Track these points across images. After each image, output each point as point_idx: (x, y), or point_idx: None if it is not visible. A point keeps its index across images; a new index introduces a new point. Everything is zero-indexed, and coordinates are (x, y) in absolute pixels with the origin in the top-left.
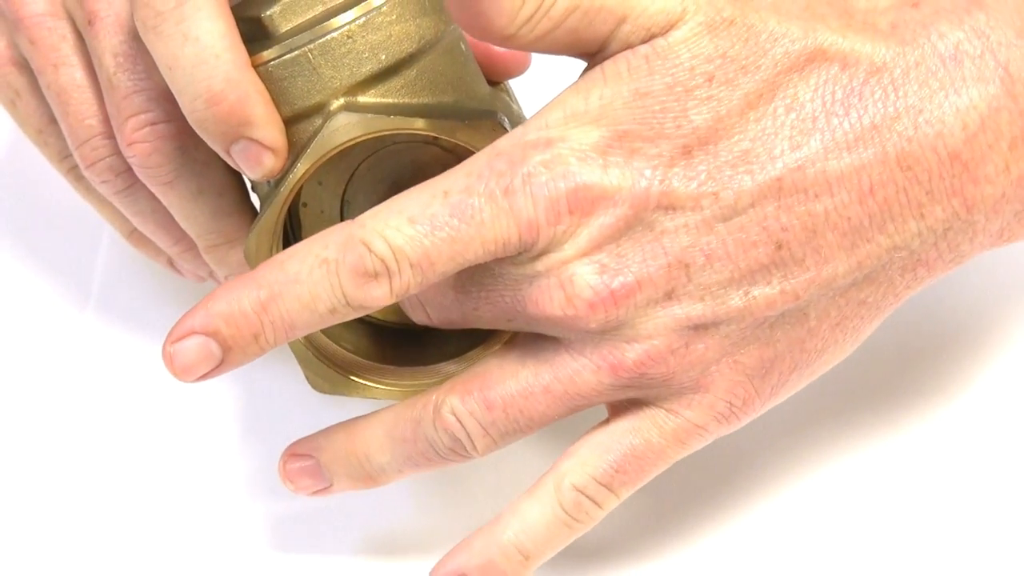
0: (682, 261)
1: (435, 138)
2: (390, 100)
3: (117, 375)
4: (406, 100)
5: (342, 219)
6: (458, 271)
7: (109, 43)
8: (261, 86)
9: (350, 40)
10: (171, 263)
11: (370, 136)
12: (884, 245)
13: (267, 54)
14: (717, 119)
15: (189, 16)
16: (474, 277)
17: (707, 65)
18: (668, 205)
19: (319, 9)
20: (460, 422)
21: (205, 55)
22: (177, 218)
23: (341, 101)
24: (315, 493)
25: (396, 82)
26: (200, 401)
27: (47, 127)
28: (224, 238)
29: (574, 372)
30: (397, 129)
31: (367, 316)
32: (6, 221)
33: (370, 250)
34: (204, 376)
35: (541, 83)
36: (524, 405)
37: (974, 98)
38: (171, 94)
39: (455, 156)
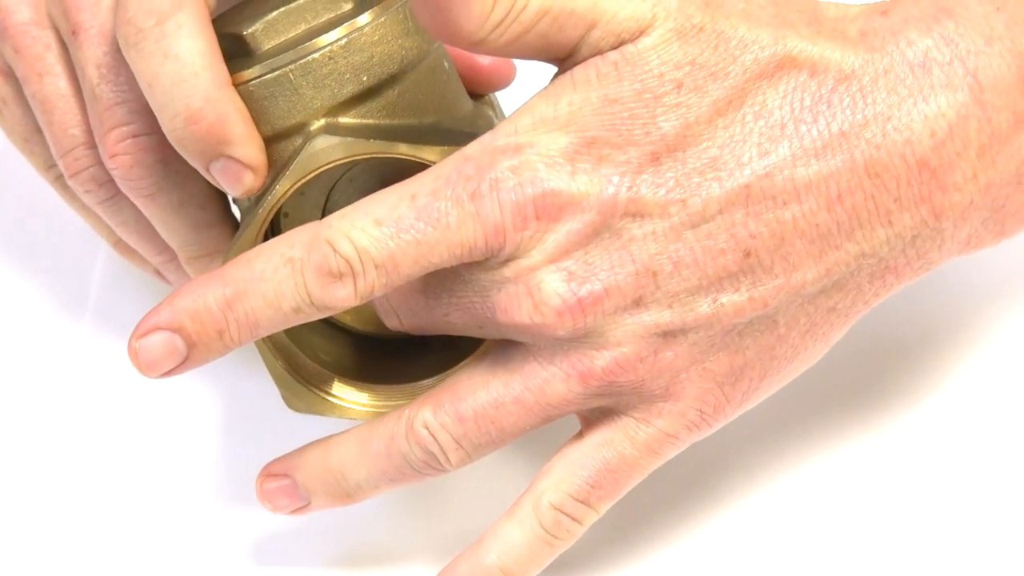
0: (650, 268)
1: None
2: (371, 121)
3: (114, 383)
4: (387, 121)
5: None
6: (427, 276)
7: (92, 54)
8: (241, 105)
9: (332, 61)
10: (158, 272)
11: (350, 159)
12: (853, 252)
13: (248, 73)
14: (686, 126)
15: (170, 34)
16: (444, 283)
17: (676, 72)
18: (636, 212)
19: (302, 28)
20: (433, 436)
21: (185, 73)
22: (159, 229)
23: (322, 122)
24: (293, 512)
25: (377, 103)
26: (196, 410)
27: (33, 136)
28: (205, 250)
29: (544, 381)
30: (377, 153)
31: (348, 327)
32: (3, 230)
33: (335, 250)
34: (169, 372)
35: (527, 95)
36: (495, 416)
37: (942, 105)
38: None
39: None
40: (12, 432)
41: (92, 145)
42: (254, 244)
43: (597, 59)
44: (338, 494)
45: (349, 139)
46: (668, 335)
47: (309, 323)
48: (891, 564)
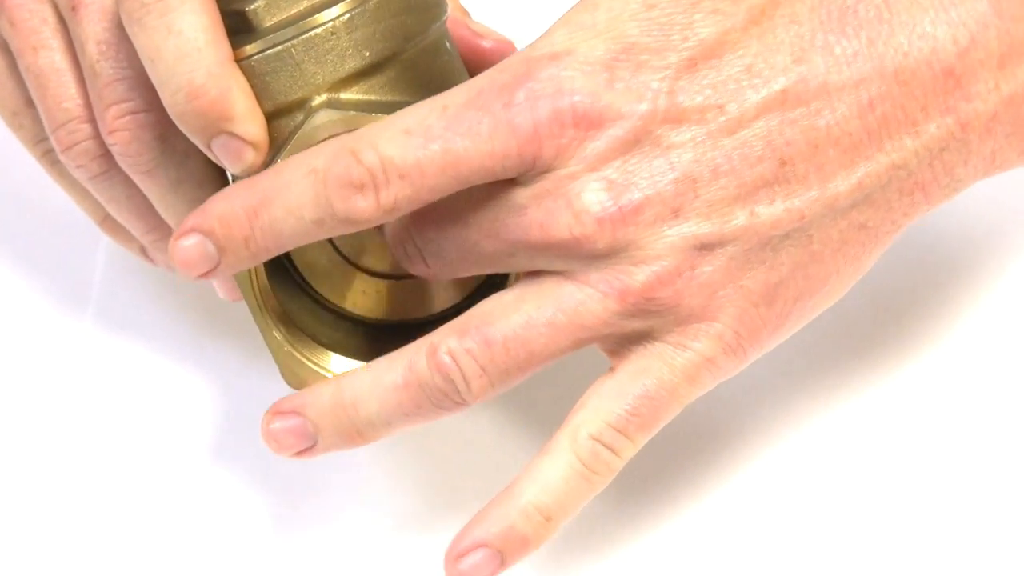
0: (689, 176)
1: None
2: (373, 97)
3: (117, 379)
4: (389, 97)
5: None
6: (456, 201)
7: (92, 30)
8: (243, 81)
9: (334, 36)
10: (143, 251)
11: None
12: (883, 163)
13: (250, 48)
14: (723, 32)
15: (174, 9)
16: (475, 207)
17: None
18: (675, 118)
19: (304, 4)
20: (456, 362)
21: (187, 48)
22: (156, 207)
23: (323, 97)
24: (298, 454)
25: (379, 79)
26: (200, 404)
27: (23, 109)
28: None
29: (579, 303)
30: None
31: (356, 315)
32: (4, 226)
33: (358, 160)
34: (206, 275)
35: None
36: (526, 339)
37: (963, 15)
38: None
39: None
40: (14, 429)
41: (85, 120)
42: None
43: None
44: (348, 431)
45: (351, 113)
46: (706, 248)
47: (314, 311)
48: (890, 530)
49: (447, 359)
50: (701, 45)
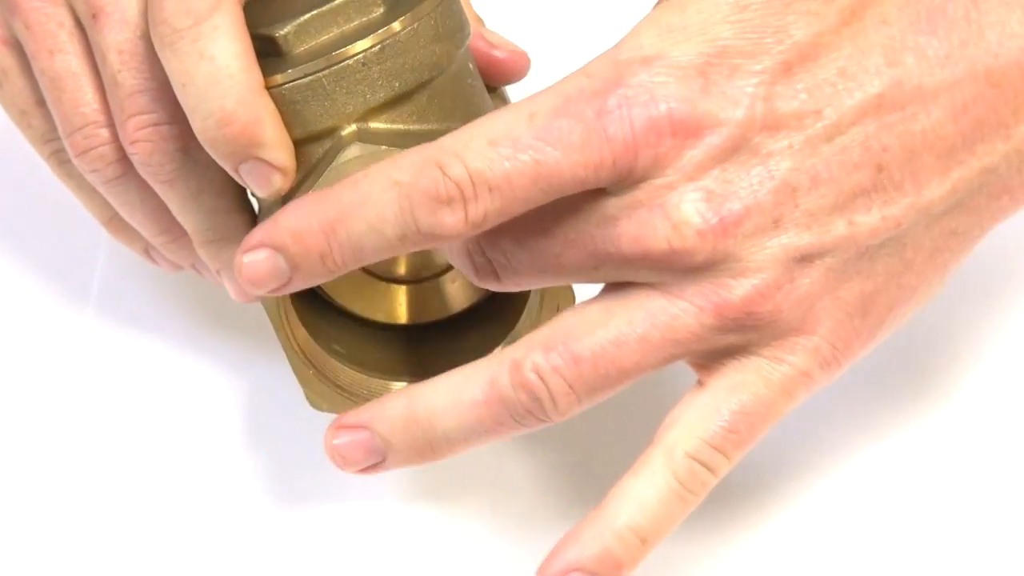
0: (789, 184)
1: None
2: (401, 126)
3: (118, 377)
4: (417, 126)
5: None
6: (540, 212)
7: (114, 40)
8: (273, 108)
9: (365, 67)
10: (147, 251)
11: None
12: (975, 168)
13: (281, 77)
14: (817, 34)
15: (206, 35)
16: (560, 217)
17: None
18: (772, 125)
19: (334, 31)
20: (542, 379)
21: (219, 75)
22: (175, 213)
23: (353, 128)
24: (365, 470)
25: (407, 108)
26: (202, 401)
27: (32, 109)
28: (220, 235)
29: (672, 317)
30: None
31: (377, 321)
32: (5, 222)
33: (445, 173)
34: (275, 290)
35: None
36: (616, 355)
37: None
38: (175, 94)
39: None
40: (17, 425)
41: (102, 124)
42: None
43: None
44: (421, 447)
45: (382, 148)
46: (806, 259)
47: (333, 317)
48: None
49: (533, 376)
50: (796, 47)
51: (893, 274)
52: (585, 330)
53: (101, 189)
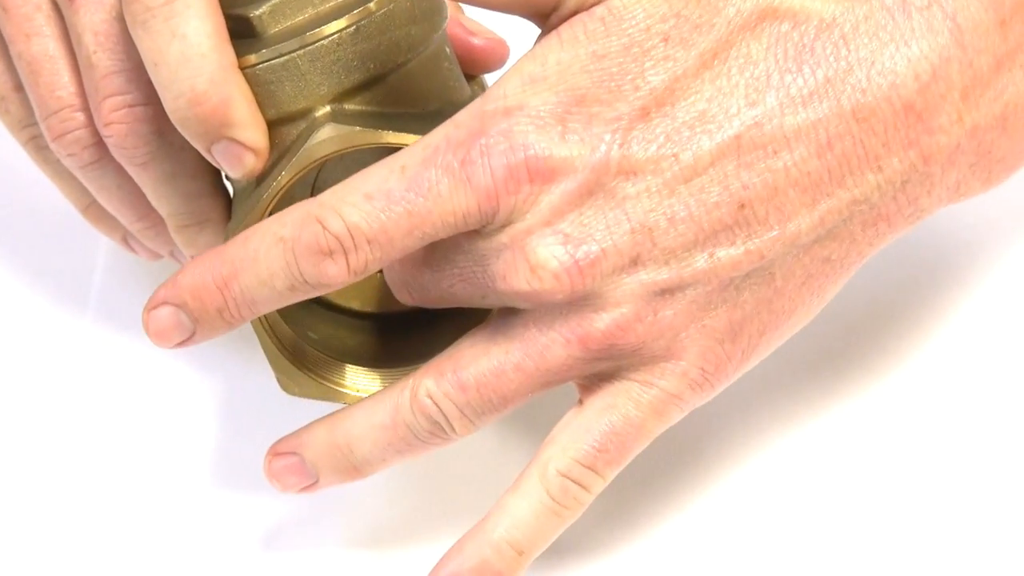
0: (645, 226)
1: None
2: (375, 108)
3: (116, 379)
4: (391, 108)
5: None
6: (428, 249)
7: (90, 21)
8: (246, 87)
9: (340, 48)
10: (125, 240)
11: (356, 148)
12: (845, 199)
13: (255, 57)
14: (674, 79)
15: (179, 13)
16: (445, 255)
17: (662, 25)
18: (629, 170)
19: (309, 12)
20: (437, 405)
21: (191, 53)
22: (149, 197)
23: (327, 109)
24: (302, 490)
25: (382, 89)
26: (199, 403)
27: (10, 94)
28: (195, 219)
29: (543, 348)
30: (384, 143)
31: (351, 308)
32: (4, 227)
33: (324, 228)
34: (181, 344)
35: None
36: (497, 384)
37: (924, 49)
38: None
39: None
40: (16, 428)
41: (78, 108)
42: None
43: (583, 15)
44: (346, 469)
45: (356, 129)
46: (666, 293)
47: (309, 305)
48: (882, 529)
49: (428, 402)
50: (652, 94)
51: (762, 301)
52: (470, 358)
53: (78, 174)
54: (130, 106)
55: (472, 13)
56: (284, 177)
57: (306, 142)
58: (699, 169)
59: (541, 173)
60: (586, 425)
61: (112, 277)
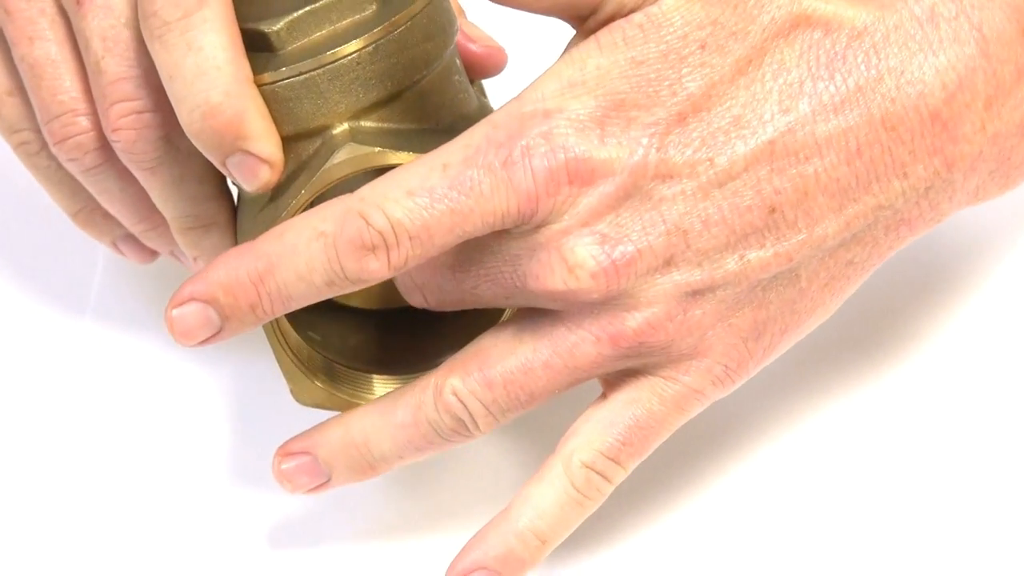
0: (680, 228)
1: None
2: (391, 124)
3: (115, 382)
4: (407, 124)
5: None
6: (455, 249)
7: (99, 26)
8: (260, 101)
9: (359, 67)
10: (115, 244)
11: (376, 167)
12: (870, 205)
13: (275, 74)
14: (710, 85)
15: (195, 27)
16: (473, 255)
17: (700, 32)
18: (665, 173)
19: (326, 29)
20: (463, 403)
21: (207, 67)
22: (155, 201)
23: (344, 126)
24: (312, 490)
25: (398, 105)
26: (199, 406)
27: (4, 98)
28: (200, 222)
29: (573, 345)
30: (404, 164)
31: (354, 307)
32: (4, 227)
33: (368, 223)
34: (205, 341)
35: (517, 82)
36: (524, 382)
37: (951, 59)
38: (159, 82)
39: None
40: (15, 431)
41: (81, 112)
42: None
43: (622, 22)
44: (361, 467)
45: (375, 150)
46: (697, 294)
47: (317, 308)
48: (885, 528)
49: (453, 399)
50: (690, 99)
51: (787, 302)
52: (497, 357)
53: (80, 178)
54: (139, 112)
55: (474, 18)
56: (304, 196)
57: (326, 162)
58: (733, 173)
59: (581, 175)
60: (610, 418)
61: (111, 280)
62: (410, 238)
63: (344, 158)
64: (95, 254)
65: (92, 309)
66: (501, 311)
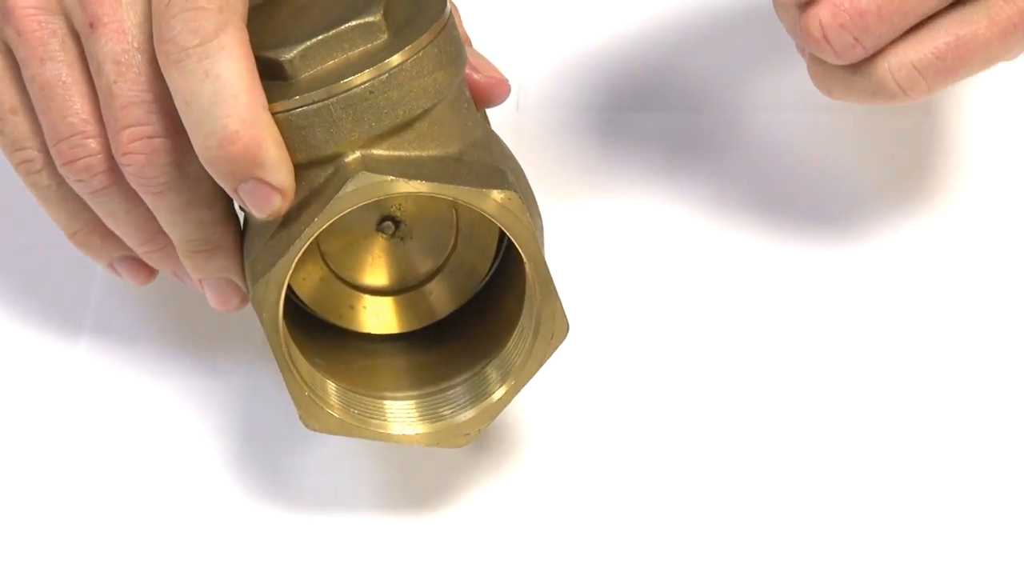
0: None
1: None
2: (403, 153)
3: (111, 399)
4: (417, 153)
5: None
6: None
7: (111, 50)
8: (275, 129)
9: (372, 95)
10: (112, 266)
11: (387, 196)
12: None
13: (289, 103)
14: None
15: (213, 54)
16: None
17: None
18: None
19: (339, 57)
20: (825, 37)
21: (224, 94)
22: (163, 224)
23: (357, 154)
24: None
25: (409, 135)
26: (195, 431)
27: (7, 116)
28: (207, 246)
29: None
30: (415, 192)
31: (366, 333)
32: (2, 239)
33: None
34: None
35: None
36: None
37: None
38: (171, 107)
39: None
40: (11, 452)
41: (89, 135)
42: (287, 274)
43: None
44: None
45: (388, 179)
46: None
47: (316, 333)
48: (886, 529)
49: (817, 34)
50: None
51: None
52: None
53: (86, 199)
54: (149, 137)
55: (480, 47)
56: (317, 223)
57: (339, 191)
58: None
59: None
60: (932, 32)
61: (107, 303)
62: None
63: (356, 187)
64: (90, 280)
65: (88, 328)
66: (509, 334)
